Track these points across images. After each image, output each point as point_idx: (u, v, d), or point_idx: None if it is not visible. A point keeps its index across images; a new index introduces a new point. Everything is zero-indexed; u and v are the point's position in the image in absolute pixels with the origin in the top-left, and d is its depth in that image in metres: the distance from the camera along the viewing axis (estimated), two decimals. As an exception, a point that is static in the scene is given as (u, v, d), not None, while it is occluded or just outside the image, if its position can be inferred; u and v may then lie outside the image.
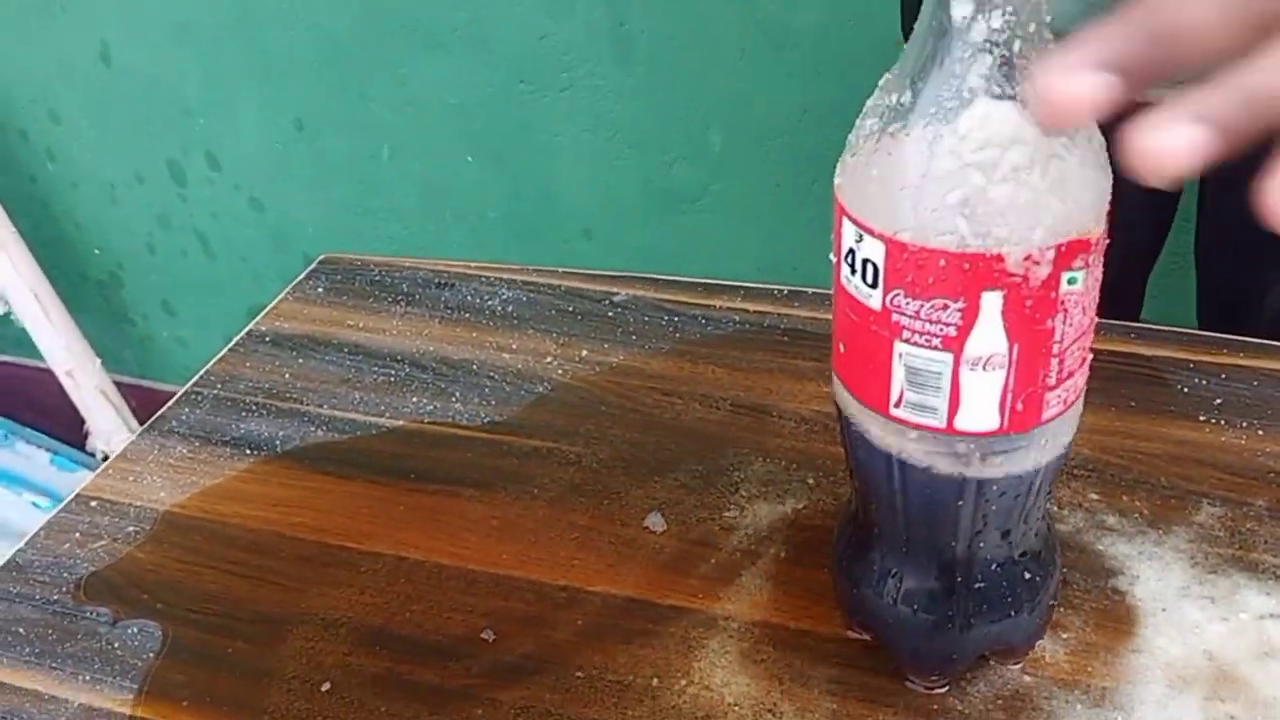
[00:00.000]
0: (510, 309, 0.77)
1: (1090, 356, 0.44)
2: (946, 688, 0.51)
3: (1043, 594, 0.49)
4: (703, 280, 0.78)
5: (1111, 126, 0.35)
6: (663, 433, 0.66)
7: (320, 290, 0.80)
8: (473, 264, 0.81)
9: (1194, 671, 0.51)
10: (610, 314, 0.76)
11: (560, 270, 0.80)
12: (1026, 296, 0.40)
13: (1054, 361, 0.42)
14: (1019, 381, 0.42)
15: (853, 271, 0.43)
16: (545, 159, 1.43)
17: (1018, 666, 0.52)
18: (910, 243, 0.40)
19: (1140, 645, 0.53)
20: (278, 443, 0.67)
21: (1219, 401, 0.66)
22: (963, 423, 0.43)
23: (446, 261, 0.81)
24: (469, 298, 0.78)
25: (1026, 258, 0.39)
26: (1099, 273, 0.42)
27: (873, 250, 0.41)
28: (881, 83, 0.43)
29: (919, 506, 0.46)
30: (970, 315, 0.41)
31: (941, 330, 0.41)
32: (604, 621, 0.55)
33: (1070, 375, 0.43)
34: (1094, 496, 0.60)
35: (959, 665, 0.50)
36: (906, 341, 0.42)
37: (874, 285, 0.42)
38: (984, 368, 0.42)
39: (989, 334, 0.41)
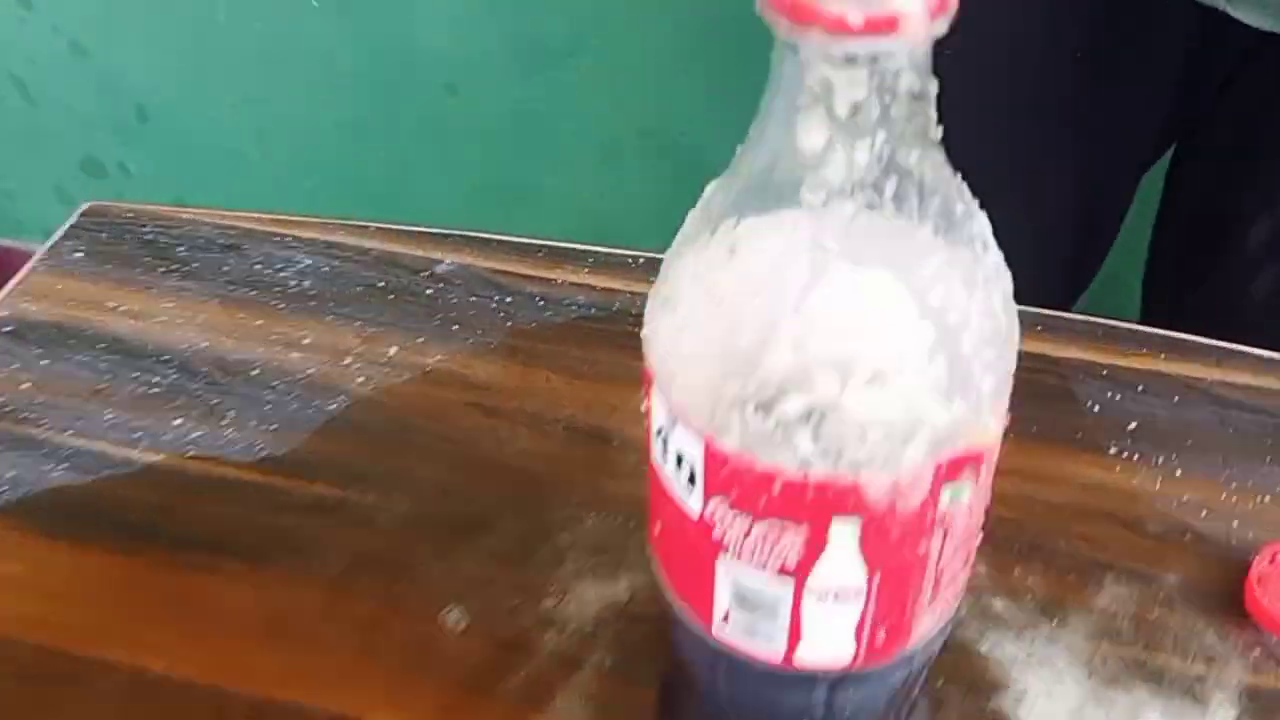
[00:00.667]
0: (307, 284, 0.64)
1: (977, 543, 0.33)
2: None
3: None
4: (543, 242, 0.65)
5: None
6: (479, 473, 0.55)
7: (80, 255, 0.66)
8: (265, 216, 0.67)
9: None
10: (429, 291, 0.63)
11: (373, 227, 0.67)
12: (892, 525, 0.29)
13: (927, 583, 0.31)
14: (880, 610, 0.31)
15: (664, 456, 0.31)
16: (401, 5, 1.25)
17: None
18: (735, 454, 0.29)
19: (1028, 796, 0.44)
20: (4, 488, 0.54)
21: (1133, 425, 0.56)
22: (806, 656, 0.32)
23: (235, 214, 0.67)
24: (258, 265, 0.64)
25: (892, 486, 0.28)
26: (992, 469, 0.31)
27: (687, 445, 0.30)
28: (707, 193, 0.30)
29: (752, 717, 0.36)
30: (816, 544, 0.30)
31: (778, 556, 0.30)
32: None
33: (953, 582, 0.33)
34: (982, 569, 0.51)
35: None
36: (735, 556, 0.31)
37: (691, 483, 0.30)
38: (834, 599, 0.31)
39: (841, 565, 0.30)
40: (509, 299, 0.62)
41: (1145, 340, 0.60)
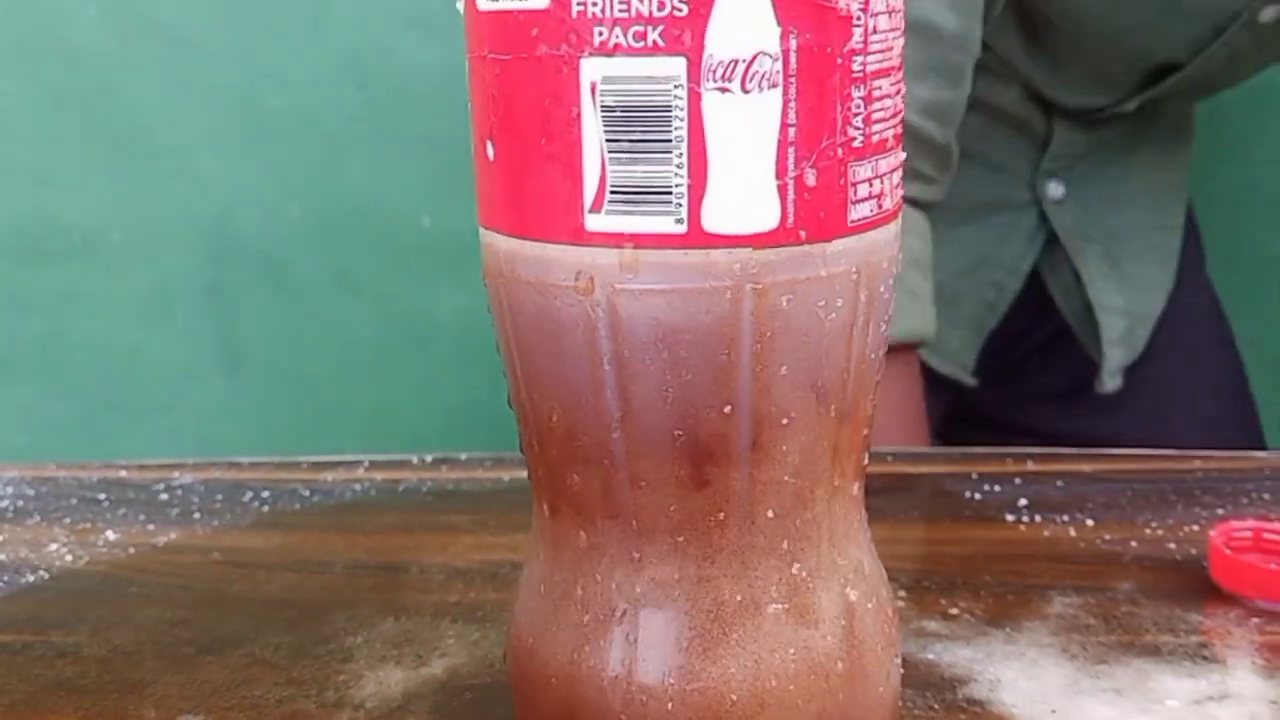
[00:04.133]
0: (3, 504, 0.50)
1: (899, 153, 0.25)
2: None
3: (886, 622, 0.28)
4: (310, 459, 0.55)
5: None
6: (228, 607, 0.41)
7: None
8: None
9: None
10: (163, 495, 0.51)
11: (90, 464, 0.55)
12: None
13: (856, 98, 0.23)
14: (804, 122, 0.23)
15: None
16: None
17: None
18: None
19: (1041, 762, 0.31)
20: None
21: (1024, 502, 0.48)
22: (718, 215, 0.23)
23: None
24: (-58, 501, 0.51)
25: None
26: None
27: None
28: None
29: (658, 414, 0.24)
30: (706, -31, 0.21)
31: (663, 7, 0.22)
32: None
33: (882, 142, 0.24)
34: (901, 601, 0.40)
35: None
36: (602, 51, 0.22)
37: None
38: (743, 82, 0.22)
39: (745, 3, 0.22)
40: (265, 493, 0.51)
41: (1007, 455, 0.53)
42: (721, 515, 0.25)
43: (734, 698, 0.25)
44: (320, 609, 0.40)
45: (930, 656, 0.36)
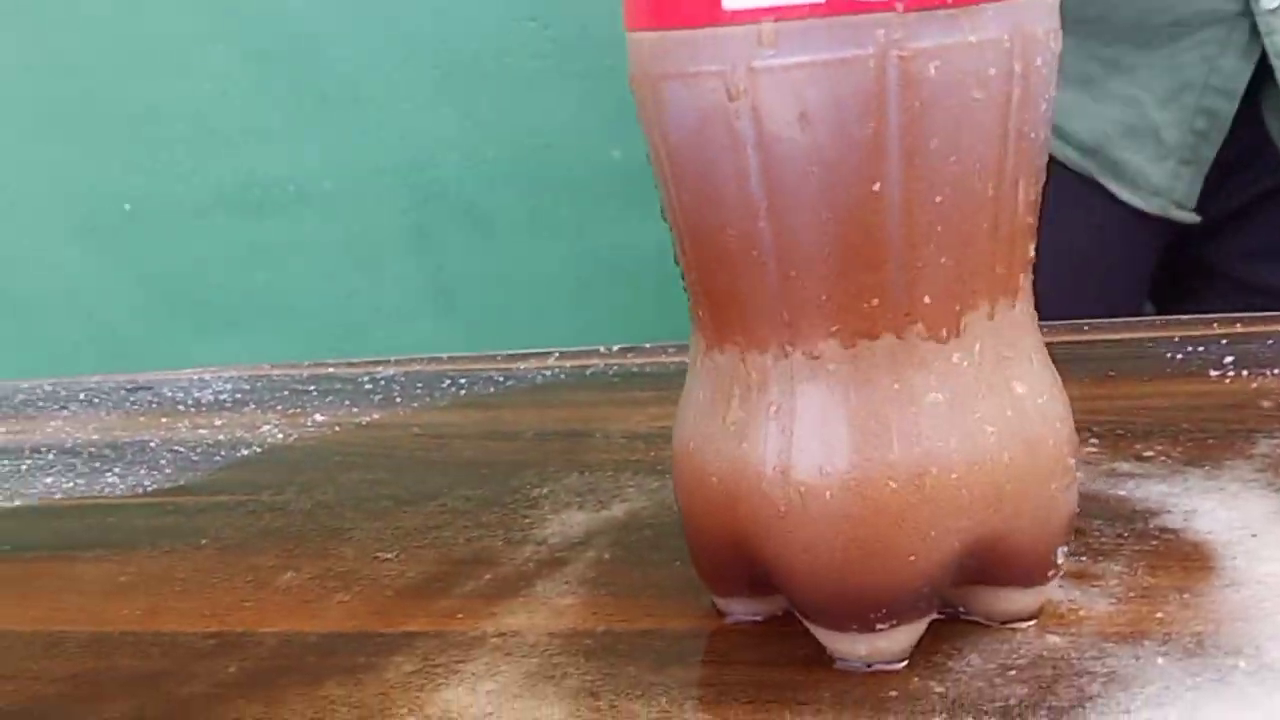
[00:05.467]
0: (222, 397, 0.54)
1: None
2: (905, 662, 0.27)
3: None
4: (505, 352, 0.57)
5: None
6: (425, 469, 0.43)
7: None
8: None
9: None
10: (367, 385, 0.53)
11: (300, 363, 0.58)
12: None
13: None
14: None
15: None
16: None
17: (1028, 626, 0.28)
18: None
19: (1234, 578, 0.29)
20: None
21: (1229, 359, 0.45)
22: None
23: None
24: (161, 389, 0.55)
25: None
26: None
27: None
28: None
29: (805, 197, 0.24)
30: None
31: None
32: (276, 664, 0.30)
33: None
34: (1091, 449, 0.38)
35: (922, 594, 0.26)
36: None
37: None
38: None
39: None
40: (463, 379, 0.53)
41: (1210, 320, 0.51)
42: (876, 302, 0.25)
43: (893, 485, 0.25)
44: (510, 468, 0.42)
45: (1121, 493, 0.35)
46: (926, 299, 0.25)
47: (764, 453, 0.26)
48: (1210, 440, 0.38)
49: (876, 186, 0.24)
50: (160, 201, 1.23)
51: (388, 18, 1.16)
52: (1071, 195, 0.75)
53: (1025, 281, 0.27)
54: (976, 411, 0.26)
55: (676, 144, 0.25)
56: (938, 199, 0.24)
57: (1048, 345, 0.28)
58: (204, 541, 0.38)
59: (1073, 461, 0.27)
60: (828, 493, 0.25)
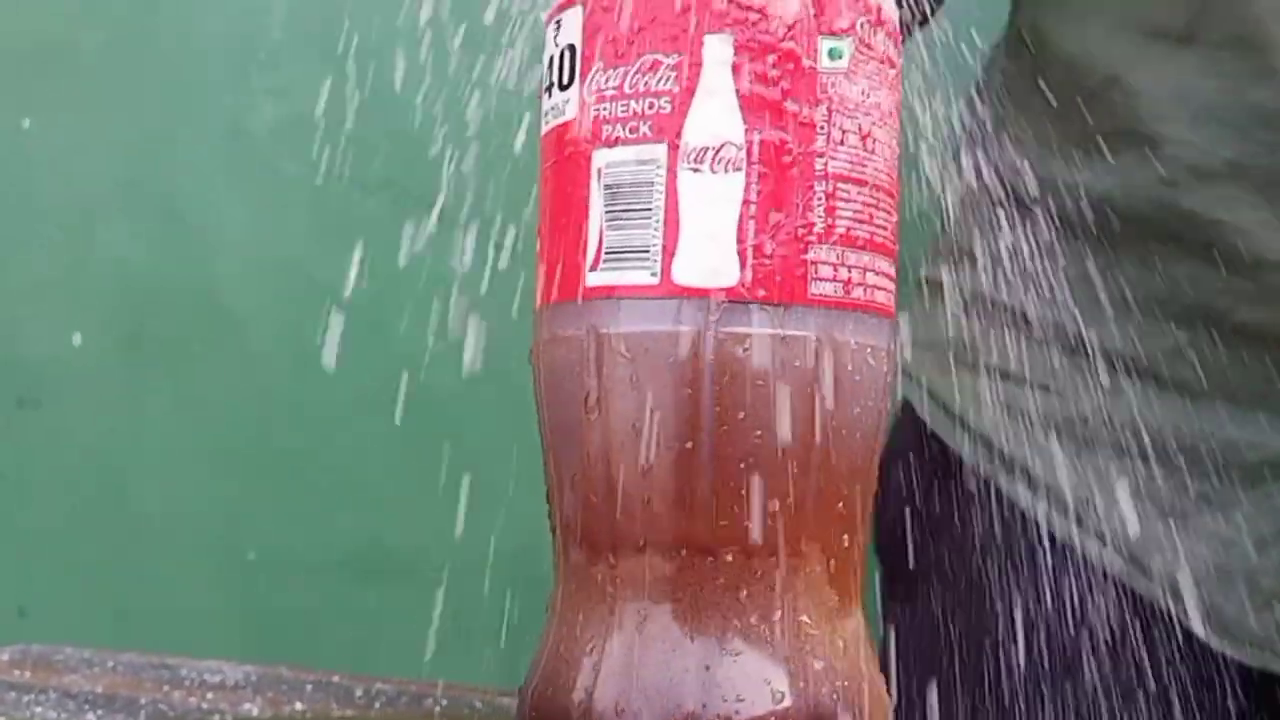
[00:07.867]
0: (227, 682, 0.57)
1: (893, 249, 0.30)
2: None
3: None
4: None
5: None
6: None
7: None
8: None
9: None
10: (359, 693, 0.56)
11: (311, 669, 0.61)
12: (768, 52, 0.28)
13: (818, 191, 0.28)
14: (764, 202, 0.28)
15: (549, 89, 0.31)
16: None
17: None
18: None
19: None
20: None
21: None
22: (685, 268, 0.28)
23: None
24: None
25: (762, -13, 0.28)
26: (896, 94, 0.30)
27: (570, 25, 0.30)
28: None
29: (632, 446, 0.28)
30: (691, 74, 0.28)
31: (652, 107, 0.28)
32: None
33: (848, 237, 0.29)
34: None
35: None
36: (607, 144, 0.29)
37: (570, 81, 0.30)
38: (712, 165, 0.28)
39: (716, 105, 0.28)
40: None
41: None
42: (683, 552, 0.28)
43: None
44: None
45: None
46: (728, 557, 0.28)
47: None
48: None
49: (689, 445, 0.28)
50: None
51: None
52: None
53: (832, 567, 0.29)
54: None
55: (550, 403, 0.30)
56: (741, 464, 0.28)
57: None
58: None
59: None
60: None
